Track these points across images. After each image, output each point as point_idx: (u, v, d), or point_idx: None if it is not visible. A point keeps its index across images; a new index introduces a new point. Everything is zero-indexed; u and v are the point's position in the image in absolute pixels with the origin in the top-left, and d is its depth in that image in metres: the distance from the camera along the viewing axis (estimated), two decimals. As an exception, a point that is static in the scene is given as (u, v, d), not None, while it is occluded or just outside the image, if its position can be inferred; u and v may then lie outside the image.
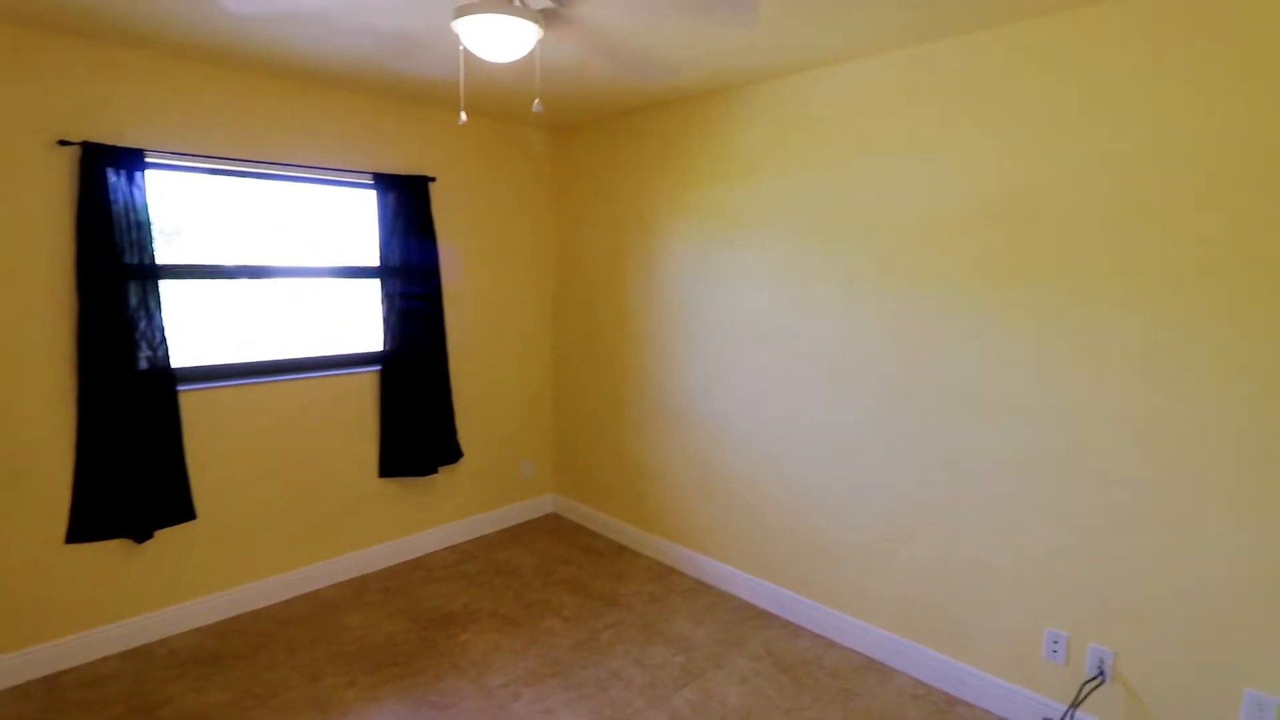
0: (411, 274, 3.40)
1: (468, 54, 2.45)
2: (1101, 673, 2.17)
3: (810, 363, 2.88)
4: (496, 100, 3.30)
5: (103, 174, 2.51)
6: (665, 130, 3.38)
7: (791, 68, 2.74)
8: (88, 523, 2.59)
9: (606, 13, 1.98)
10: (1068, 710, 2.25)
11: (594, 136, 3.79)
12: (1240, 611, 1.92)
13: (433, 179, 3.45)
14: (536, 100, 2.03)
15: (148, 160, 2.68)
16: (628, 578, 3.45)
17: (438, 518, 3.77)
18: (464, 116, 1.75)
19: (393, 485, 3.55)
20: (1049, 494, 2.25)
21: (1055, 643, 2.27)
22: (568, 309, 4.12)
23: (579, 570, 3.53)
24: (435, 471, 3.58)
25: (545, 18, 1.67)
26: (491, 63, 2.65)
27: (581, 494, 4.16)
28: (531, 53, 2.41)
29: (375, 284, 3.42)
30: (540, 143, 4.02)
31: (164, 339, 2.71)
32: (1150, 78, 1.96)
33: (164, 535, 2.82)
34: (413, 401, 3.46)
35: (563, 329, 4.17)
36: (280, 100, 2.98)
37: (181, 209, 2.90)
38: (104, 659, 2.69)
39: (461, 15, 1.57)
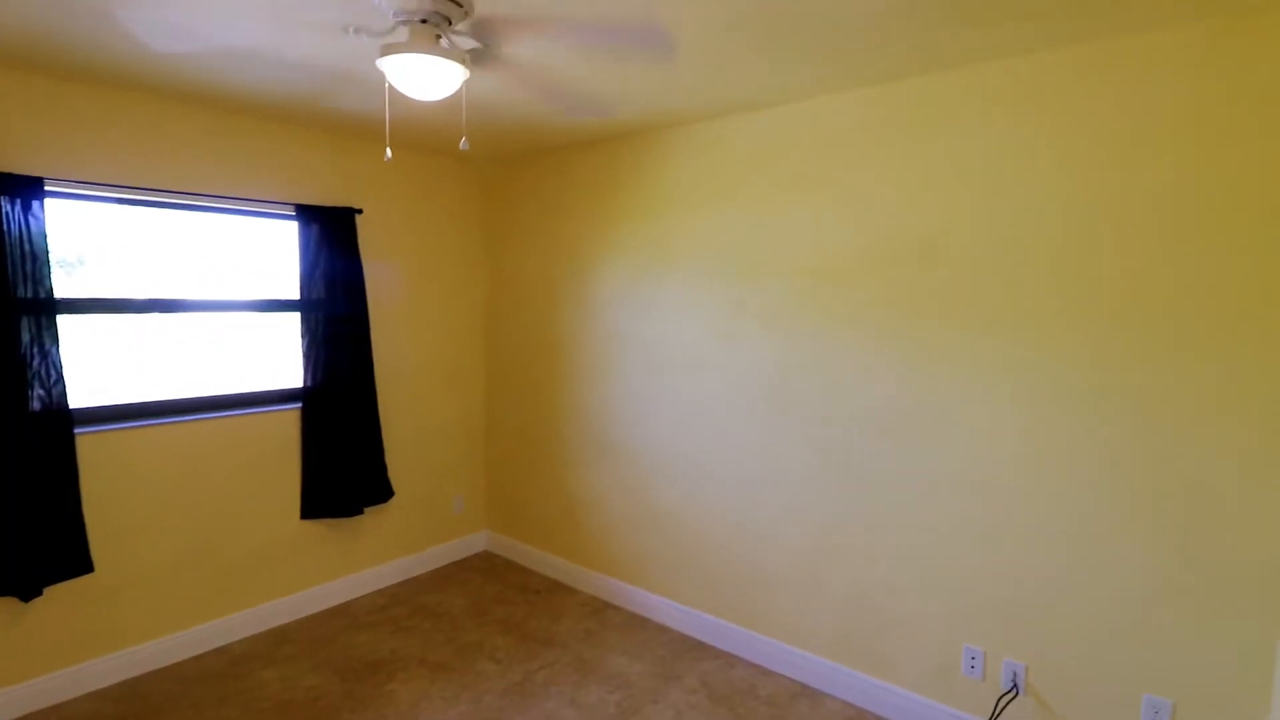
0: (336, 308, 3.30)
1: (394, 90, 2.45)
2: (1015, 686, 2.28)
3: (737, 393, 2.95)
4: (426, 134, 3.29)
5: (-6, 203, 2.36)
6: (597, 166, 3.45)
7: (714, 112, 2.86)
8: (-34, 581, 2.36)
9: (531, 53, 2.04)
10: (987, 724, 2.34)
11: (527, 171, 3.83)
12: (1134, 620, 2.06)
13: (359, 211, 3.39)
14: (463, 139, 2.05)
15: (48, 189, 2.54)
16: (563, 615, 3.39)
17: (364, 561, 3.62)
18: (389, 153, 1.75)
19: (316, 528, 3.39)
20: (958, 515, 2.37)
21: (973, 659, 2.37)
22: (500, 342, 4.09)
23: (513, 609, 3.45)
24: (361, 512, 3.45)
25: (472, 58, 1.69)
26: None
27: (516, 530, 4.09)
28: (458, 91, 2.43)
29: (296, 318, 3.30)
30: (472, 176, 4.02)
31: (61, 378, 2.54)
32: (1033, 136, 2.15)
33: (57, 590, 2.60)
34: (338, 439, 3.34)
35: (495, 362, 4.13)
36: (194, 128, 2.88)
37: (87, 239, 2.75)
38: (-19, 732, 2.44)
39: (387, 54, 1.58)
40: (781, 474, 2.84)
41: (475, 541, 4.20)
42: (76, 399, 2.68)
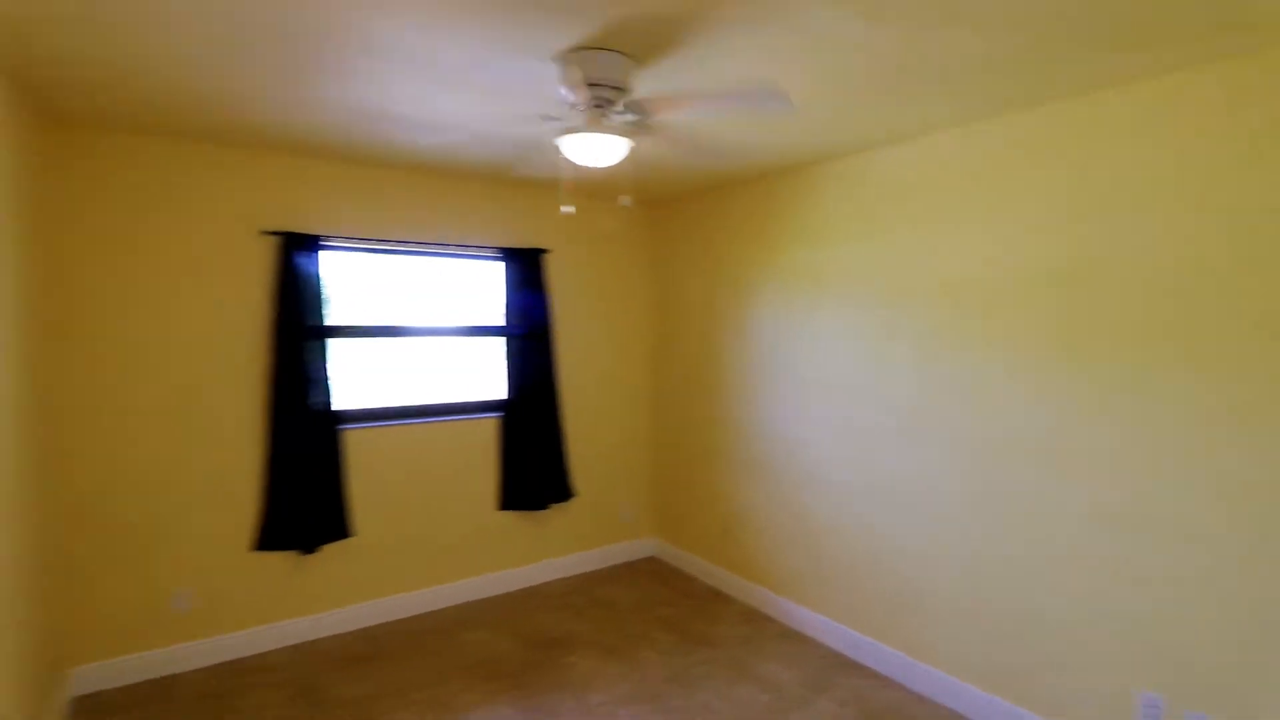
0: (530, 332, 3.88)
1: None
2: (1198, 742, 2.10)
3: (888, 417, 3.00)
4: (599, 185, 3.75)
5: (292, 255, 3.18)
6: (751, 202, 3.68)
7: (856, 148, 2.99)
8: (271, 534, 3.18)
9: (678, 119, 2.37)
10: (1164, 780, 2.17)
11: (686, 210, 4.16)
12: (1345, 684, 1.83)
13: (547, 250, 3.94)
14: (624, 196, 2.39)
15: (323, 243, 3.33)
16: (720, 620, 3.61)
17: (547, 552, 4.14)
18: (564, 209, 2.14)
19: (510, 518, 3.97)
20: (1126, 550, 2.24)
21: (1151, 707, 2.21)
22: (665, 363, 4.44)
23: (675, 610, 3.74)
24: (546, 507, 3.97)
25: (633, 129, 2.03)
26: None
27: (679, 538, 4.39)
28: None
29: (500, 341, 3.93)
30: (640, 215, 4.45)
31: (330, 386, 3.31)
32: (1176, 158, 2.02)
33: (327, 549, 3.38)
34: (530, 443, 3.91)
35: (661, 382, 4.49)
36: (427, 192, 3.60)
37: (346, 279, 3.54)
38: (274, 650, 3.23)
39: (565, 134, 1.97)
40: (930, 496, 2.83)
41: (644, 547, 4.58)
42: (339, 403, 3.46)
